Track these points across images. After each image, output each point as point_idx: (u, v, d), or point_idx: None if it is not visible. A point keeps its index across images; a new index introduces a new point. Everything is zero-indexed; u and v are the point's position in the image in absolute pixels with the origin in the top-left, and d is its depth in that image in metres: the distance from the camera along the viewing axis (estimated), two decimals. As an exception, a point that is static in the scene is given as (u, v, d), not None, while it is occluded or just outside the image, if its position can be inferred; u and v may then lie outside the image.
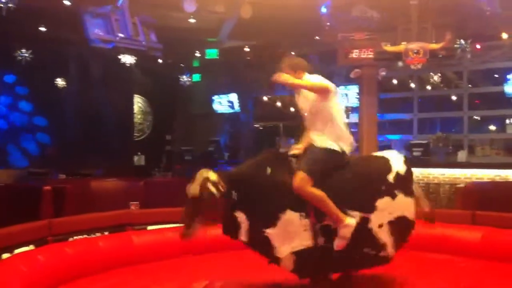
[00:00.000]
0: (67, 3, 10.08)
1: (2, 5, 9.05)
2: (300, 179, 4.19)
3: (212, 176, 4.21)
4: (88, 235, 5.86)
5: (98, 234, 5.96)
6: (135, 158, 16.10)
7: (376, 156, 4.81)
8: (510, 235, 5.73)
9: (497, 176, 9.86)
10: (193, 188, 4.17)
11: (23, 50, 12.69)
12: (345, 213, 4.22)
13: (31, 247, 5.08)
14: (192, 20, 11.38)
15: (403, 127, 14.56)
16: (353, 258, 4.34)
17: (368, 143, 11.13)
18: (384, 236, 4.30)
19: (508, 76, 12.07)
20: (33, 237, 5.20)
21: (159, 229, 6.23)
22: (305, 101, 4.53)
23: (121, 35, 10.01)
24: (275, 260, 4.32)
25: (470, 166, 10.55)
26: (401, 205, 4.39)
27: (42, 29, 12.05)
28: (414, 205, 4.50)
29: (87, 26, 9.84)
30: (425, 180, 10.68)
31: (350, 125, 14.62)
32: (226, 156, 15.24)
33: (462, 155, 11.53)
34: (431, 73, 13.89)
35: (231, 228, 4.40)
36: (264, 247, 4.31)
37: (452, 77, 14.61)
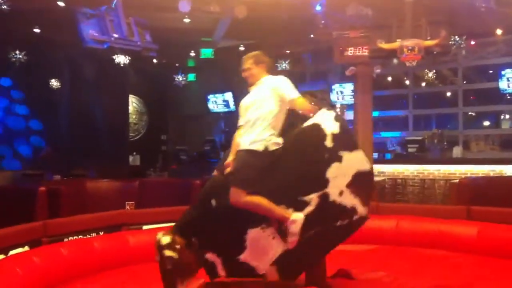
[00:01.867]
0: (61, 4, 10.05)
1: (-5, 7, 9.04)
2: (233, 194, 4.05)
3: (164, 240, 4.09)
4: (83, 236, 5.84)
5: (93, 235, 5.94)
6: (131, 158, 16.08)
7: (306, 128, 4.32)
8: (505, 230, 5.74)
9: (491, 171, 9.91)
10: (157, 259, 4.11)
11: (17, 52, 12.66)
12: (301, 202, 4.11)
13: (26, 248, 5.06)
14: (186, 20, 11.36)
15: (398, 124, 14.59)
16: (332, 236, 4.24)
17: (363, 140, 11.12)
18: (349, 200, 4.15)
19: (503, 72, 12.08)
20: (28, 239, 5.19)
21: (154, 228, 6.21)
22: (249, 97, 4.45)
23: (115, 35, 9.99)
24: (260, 277, 4.28)
25: (465, 161, 10.59)
26: (350, 164, 4.17)
27: (36, 30, 12.02)
28: (363, 154, 4.29)
29: (81, 27, 9.82)
30: (420, 176, 10.71)
31: (342, 113, 14.69)
32: (222, 155, 15.23)
33: (457, 151, 11.56)
34: (426, 70, 13.91)
35: (210, 270, 4.38)
36: (246, 272, 4.28)
37: (447, 73, 14.63)
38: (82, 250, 5.26)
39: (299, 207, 4.13)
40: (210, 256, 4.32)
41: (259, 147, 4.13)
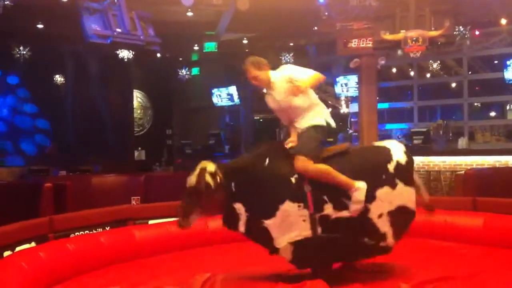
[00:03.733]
0: (64, -1, 10.05)
1: (-2, 3, 9.04)
2: (301, 161, 4.24)
3: (210, 167, 4.22)
4: (89, 231, 5.86)
5: (99, 230, 5.95)
6: (136, 153, 16.10)
7: (376, 146, 4.79)
8: (511, 221, 5.72)
9: (497, 162, 9.86)
10: (191, 179, 4.19)
11: (21, 48, 12.68)
12: (343, 203, 4.23)
13: (33, 244, 5.07)
14: (189, 14, 11.35)
15: (403, 115, 14.55)
16: (353, 248, 4.33)
17: (368, 132, 11.12)
18: (384, 226, 4.28)
19: (508, 62, 12.02)
20: (34, 234, 5.20)
21: (160, 223, 6.23)
22: (274, 100, 4.58)
23: (118, 30, 10.00)
24: (274, 250, 4.32)
25: (471, 153, 10.55)
26: (401, 195, 4.36)
27: (40, 26, 12.03)
28: (414, 195, 4.46)
29: (84, 22, 9.83)
30: (426, 168, 10.68)
31: (350, 115, 14.72)
32: (227, 149, 15.22)
33: (462, 142, 11.52)
34: (430, 61, 13.87)
35: (231, 220, 4.41)
36: (263, 238, 4.32)
37: (452, 64, 14.58)
38: (88, 245, 5.26)
39: (339, 206, 4.25)
40: (238, 207, 4.33)
41: (321, 122, 4.46)
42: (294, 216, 4.22)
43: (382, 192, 4.29)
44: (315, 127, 4.43)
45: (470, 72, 13.39)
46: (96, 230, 5.91)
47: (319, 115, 4.50)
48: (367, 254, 4.47)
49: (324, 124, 4.48)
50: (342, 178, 4.23)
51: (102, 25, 9.95)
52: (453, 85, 14.29)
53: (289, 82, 4.39)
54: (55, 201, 6.77)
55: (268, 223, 4.23)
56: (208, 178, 4.16)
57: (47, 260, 4.60)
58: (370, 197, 4.25)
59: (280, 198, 4.23)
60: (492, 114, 15.06)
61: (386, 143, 4.67)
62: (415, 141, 11.59)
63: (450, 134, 12.25)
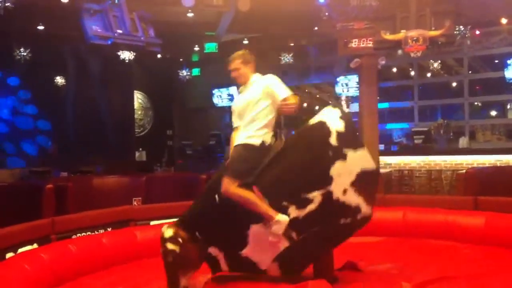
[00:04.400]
0: (65, 0, 10.05)
1: (-1, 5, 9.05)
2: (225, 183, 4.13)
3: (167, 233, 4.12)
4: (91, 232, 5.86)
5: (101, 231, 5.96)
6: (137, 154, 16.11)
7: (311, 125, 4.36)
8: (513, 220, 5.73)
9: (498, 161, 9.87)
10: (161, 252, 4.14)
11: (22, 49, 12.69)
12: (304, 199, 4.12)
13: (35, 245, 5.08)
14: (190, 15, 11.36)
15: (404, 115, 14.55)
16: (334, 234, 4.24)
17: (369, 132, 11.11)
18: (353, 199, 4.13)
19: (508, 62, 12.05)
20: (36, 236, 5.21)
21: (162, 224, 6.23)
22: (241, 99, 4.45)
23: (119, 31, 10.01)
24: (262, 272, 4.29)
25: (472, 152, 10.56)
26: (355, 162, 4.16)
27: (40, 27, 12.03)
28: (367, 154, 4.27)
29: (85, 23, 9.84)
30: (427, 167, 10.69)
31: (349, 112, 14.70)
32: (227, 150, 15.23)
33: (463, 142, 11.53)
34: (431, 61, 13.87)
35: (213, 265, 4.42)
36: (248, 267, 4.31)
37: (452, 63, 14.58)
38: (90, 246, 5.27)
39: (302, 204, 4.13)
40: (213, 250, 4.34)
41: (255, 141, 4.23)
42: (265, 235, 4.15)
43: (336, 169, 4.10)
44: (247, 146, 4.23)
45: (470, 72, 13.40)
46: (98, 231, 5.92)
47: (256, 134, 4.25)
48: (351, 232, 4.31)
49: (258, 144, 4.22)
50: (263, 208, 4.10)
51: (102, 26, 9.96)
52: (454, 84, 14.29)
53: (265, 89, 4.28)
54: (57, 202, 6.76)
55: (245, 252, 4.23)
56: (170, 246, 4.07)
57: (49, 262, 4.61)
58: (326, 179, 4.10)
59: (243, 225, 4.20)
60: (493, 113, 15.05)
61: (320, 117, 4.31)
62: (416, 141, 11.60)
63: (451, 134, 12.26)
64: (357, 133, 4.44)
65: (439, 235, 5.99)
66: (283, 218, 4.08)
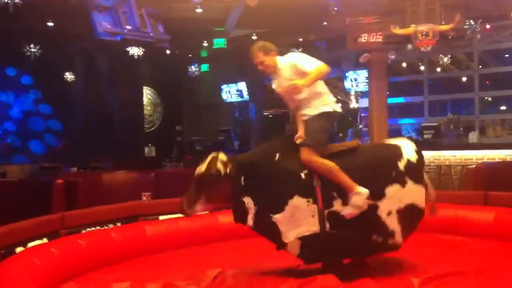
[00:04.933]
0: (74, -4, 10.09)
1: (9, 2, 9.09)
2: (306, 152, 4.25)
3: (222, 156, 4.32)
4: (101, 227, 5.88)
5: (111, 226, 5.98)
6: (146, 149, 16.16)
7: (387, 143, 4.77)
8: (523, 215, 5.69)
9: (508, 156, 9.79)
10: (201, 166, 4.28)
11: (31, 46, 12.74)
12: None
13: (45, 240, 5.11)
14: (199, 10, 11.36)
15: (413, 110, 14.49)
16: (360, 245, 4.32)
17: (378, 127, 11.08)
18: (393, 223, 4.26)
19: (519, 56, 11.94)
20: (46, 231, 5.23)
21: (171, 219, 6.25)
22: (280, 86, 4.56)
23: (128, 27, 10.04)
24: (282, 245, 4.33)
25: (482, 147, 10.49)
26: (410, 193, 4.34)
27: (50, 24, 12.08)
28: (424, 193, 4.44)
29: (94, 20, 9.88)
30: (436, 162, 10.63)
31: (360, 110, 14.70)
32: (237, 145, 15.23)
33: (473, 136, 11.45)
34: (441, 55, 13.79)
35: (239, 213, 4.44)
36: (271, 232, 4.34)
37: (462, 58, 14.49)
38: (100, 241, 5.30)
39: (348, 202, 4.22)
40: (247, 201, 4.36)
41: (327, 109, 4.43)
42: (303, 211, 4.22)
43: (392, 190, 4.27)
44: (321, 116, 4.40)
45: (480, 66, 13.30)
46: (108, 226, 5.94)
47: (324, 103, 4.45)
48: (375, 251, 4.46)
49: (331, 111, 4.44)
50: (345, 178, 4.20)
51: (112, 22, 10.00)
52: (464, 79, 14.21)
53: (294, 68, 4.39)
54: (67, 198, 6.80)
55: (276, 217, 4.25)
56: (219, 165, 4.25)
57: (59, 256, 4.64)
58: (380, 194, 4.24)
59: (289, 193, 4.24)
60: (503, 108, 14.93)
61: (397, 141, 4.64)
62: (426, 136, 11.53)
63: (461, 129, 12.18)
64: (424, 170, 4.62)
65: (448, 230, 5.97)
66: (364, 190, 4.17)
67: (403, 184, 4.31)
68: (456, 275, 4.32)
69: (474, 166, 8.33)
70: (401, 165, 4.36)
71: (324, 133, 4.39)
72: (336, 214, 4.23)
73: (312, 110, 4.43)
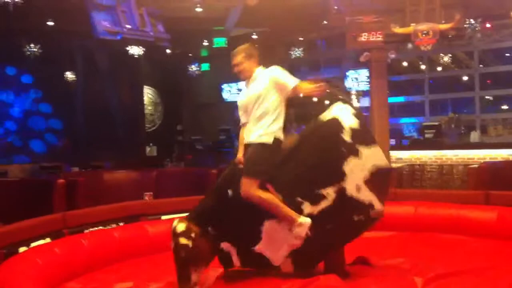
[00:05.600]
0: (74, -4, 10.09)
1: (9, 1, 9.09)
2: (245, 185, 4.12)
3: (180, 227, 4.11)
4: (103, 227, 5.88)
5: (113, 225, 5.97)
6: (147, 149, 16.16)
7: (323, 121, 4.35)
8: (525, 214, 5.68)
9: (510, 155, 9.79)
10: (172, 246, 4.13)
11: (32, 45, 12.74)
12: (318, 195, 4.13)
13: (47, 240, 5.11)
14: (199, 9, 11.35)
15: (414, 109, 14.49)
16: (347, 230, 4.23)
17: (379, 127, 11.07)
18: (366, 195, 4.12)
19: (519, 55, 11.94)
20: (48, 230, 5.23)
21: (173, 218, 6.24)
22: (246, 94, 4.44)
23: (128, 26, 10.03)
24: (275, 269, 4.29)
25: (483, 146, 10.49)
26: (368, 159, 4.16)
27: (50, 23, 12.07)
28: (381, 151, 4.28)
29: (94, 19, 9.87)
30: (438, 161, 10.63)
31: (361, 109, 14.70)
32: (237, 144, 15.22)
33: (474, 136, 11.46)
34: (441, 54, 13.80)
35: (224, 260, 4.43)
36: (260, 262, 4.31)
37: (463, 57, 14.49)
38: (102, 240, 5.30)
39: (315, 200, 4.15)
40: (225, 245, 4.34)
41: (269, 139, 4.21)
42: (278, 231, 4.17)
43: (349, 165, 4.11)
44: (261, 146, 4.22)
45: (481, 65, 13.30)
46: (110, 226, 5.94)
47: (269, 131, 4.23)
48: (363, 229, 4.30)
49: (271, 143, 4.21)
50: (285, 210, 4.10)
51: (111, 21, 9.99)
52: (465, 78, 14.21)
53: (272, 81, 4.28)
54: (68, 197, 6.79)
55: (258, 247, 4.23)
56: (183, 240, 4.05)
57: (62, 256, 4.64)
58: (340, 175, 4.11)
59: (258, 221, 4.21)
60: (504, 107, 14.93)
61: (332, 112, 4.31)
62: (427, 135, 11.53)
63: (462, 128, 12.19)
64: (370, 130, 4.45)
65: (450, 229, 5.95)
66: (305, 221, 4.09)
67: (356, 154, 4.14)
68: (458, 275, 4.31)
69: (476, 165, 8.33)
70: (347, 136, 4.16)
71: (264, 163, 4.19)
72: (310, 216, 4.14)
73: (254, 134, 4.28)
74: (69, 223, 5.56)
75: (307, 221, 4.09)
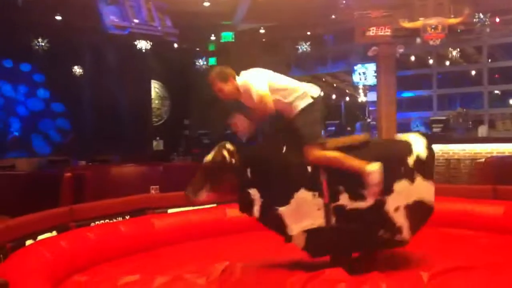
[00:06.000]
0: (81, -10, 10.10)
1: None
2: (309, 151, 4.21)
3: (229, 145, 4.33)
4: (109, 220, 5.90)
5: (119, 219, 5.99)
6: (154, 143, 16.19)
7: (397, 139, 4.72)
8: (532, 209, 5.66)
9: (518, 150, 9.75)
10: (209, 155, 4.29)
11: (40, 40, 12.77)
12: (360, 194, 4.18)
13: (54, 233, 5.13)
14: (206, 4, 11.35)
15: (422, 104, 14.44)
16: (367, 240, 4.29)
17: (387, 121, 11.06)
18: (400, 219, 4.22)
19: (529, 49, 11.86)
20: (55, 223, 5.25)
21: (179, 212, 6.26)
22: (251, 101, 4.46)
23: (136, 21, 10.04)
24: (287, 237, 4.32)
25: (491, 140, 10.44)
26: (419, 189, 4.30)
27: (58, 18, 12.10)
28: (433, 190, 4.41)
29: (102, 13, 9.89)
30: (445, 156, 10.59)
31: (369, 104, 14.68)
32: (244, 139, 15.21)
33: (482, 130, 11.41)
34: (449, 49, 13.72)
35: (245, 204, 4.41)
36: (276, 225, 4.33)
37: (471, 52, 14.41)
38: (109, 234, 5.32)
39: (355, 196, 4.21)
40: (254, 193, 4.33)
41: (307, 101, 4.32)
42: (308, 204, 4.20)
43: (400, 185, 4.22)
44: (306, 109, 4.31)
45: (490, 60, 13.23)
46: (116, 219, 5.95)
47: (300, 98, 4.33)
48: (382, 246, 4.44)
49: (311, 100, 4.33)
50: (354, 162, 4.17)
51: (119, 16, 10.00)
52: (473, 73, 14.13)
53: (245, 87, 4.35)
54: (75, 190, 6.83)
55: (282, 210, 4.23)
56: (225, 153, 4.26)
57: (69, 249, 4.66)
58: (388, 189, 4.19)
59: (295, 186, 4.22)
60: (513, 102, 14.86)
61: (407, 136, 4.59)
62: (435, 129, 11.51)
63: (470, 122, 12.13)
64: (433, 168, 4.58)
65: (457, 224, 5.94)
66: (374, 167, 4.13)
67: (412, 180, 4.27)
68: (465, 270, 4.30)
69: (484, 159, 8.29)
70: (411, 161, 4.32)
71: (316, 123, 4.33)
72: (342, 208, 4.20)
73: (292, 107, 4.35)
74: (75, 217, 5.58)
75: (375, 166, 4.12)
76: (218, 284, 4.21)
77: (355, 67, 14.50)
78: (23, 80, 14.10)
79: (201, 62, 16.08)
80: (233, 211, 5.56)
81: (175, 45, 14.00)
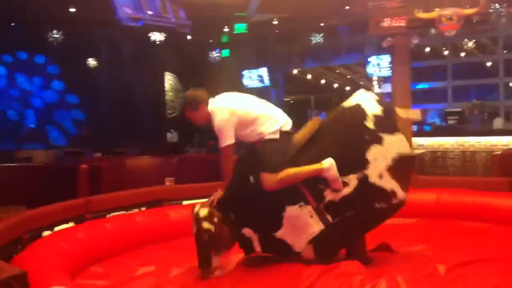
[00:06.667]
0: (96, -18, 10.12)
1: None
2: (265, 180, 4.14)
3: (203, 212, 4.18)
4: (125, 211, 5.93)
5: (135, 210, 6.02)
6: (168, 135, 16.24)
7: (346, 108, 4.35)
8: (550, 202, 5.61)
9: (535, 142, 9.67)
10: (194, 230, 4.18)
11: (54, 32, 12.83)
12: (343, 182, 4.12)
13: (71, 224, 5.17)
14: (219, -5, 11.33)
15: (437, 95, 14.35)
16: (368, 218, 4.21)
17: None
18: (388, 184, 4.11)
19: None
20: (71, 215, 5.29)
21: (194, 203, 6.28)
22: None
23: (150, 12, 10.04)
24: (296, 255, 4.28)
25: (507, 133, 10.36)
26: (392, 147, 4.14)
27: (72, 10, 12.14)
28: (405, 139, 4.25)
29: (116, 5, 9.90)
30: (460, 148, 10.52)
31: (383, 96, 14.59)
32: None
33: (498, 122, 11.31)
34: (465, 40, 13.60)
35: (245, 245, 4.42)
36: (282, 249, 4.30)
37: (487, 43, 14.27)
38: (125, 225, 5.35)
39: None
40: (246, 231, 4.35)
41: (273, 133, 4.23)
42: (300, 217, 4.16)
43: (372, 153, 4.11)
44: (271, 139, 4.23)
45: (506, 51, 13.09)
46: (132, 211, 5.99)
47: (269, 126, 4.25)
48: (385, 217, 4.29)
49: (278, 130, 4.25)
50: (308, 169, 4.11)
51: (133, 7, 10.01)
52: (489, 64, 14.00)
53: (212, 116, 4.34)
54: (91, 182, 6.87)
55: (279, 233, 4.23)
56: (206, 225, 4.12)
57: (85, 240, 4.70)
58: (363, 162, 4.10)
59: (279, 207, 4.19)
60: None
61: (355, 99, 4.32)
62: (450, 121, 11.43)
63: (486, 114, 12.04)
64: (394, 118, 4.41)
65: (473, 217, 5.90)
66: (327, 163, 4.07)
67: (380, 142, 4.12)
68: (482, 262, 4.27)
69: (499, 152, 8.22)
70: (370, 124, 4.15)
71: (279, 154, 4.19)
72: (332, 203, 4.16)
73: (259, 135, 4.28)
74: (92, 208, 5.62)
75: (329, 161, 4.07)
76: (233, 276, 4.23)
77: (369, 59, 14.42)
78: (38, 72, 14.20)
79: (214, 54, 16.08)
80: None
81: (189, 37, 14.01)
